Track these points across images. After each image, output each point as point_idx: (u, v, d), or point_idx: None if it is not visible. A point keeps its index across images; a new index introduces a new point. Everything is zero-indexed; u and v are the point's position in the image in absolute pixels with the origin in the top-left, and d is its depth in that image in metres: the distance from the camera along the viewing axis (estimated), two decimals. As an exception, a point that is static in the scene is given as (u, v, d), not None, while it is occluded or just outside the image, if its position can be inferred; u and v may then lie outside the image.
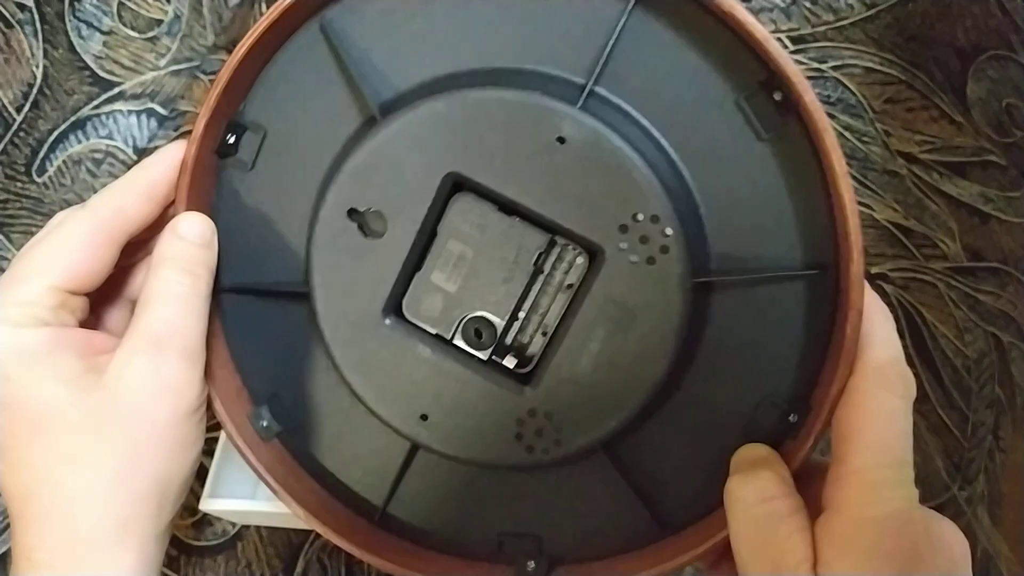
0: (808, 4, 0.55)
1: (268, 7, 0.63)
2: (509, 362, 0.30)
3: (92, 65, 0.52)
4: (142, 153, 0.58)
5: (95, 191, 0.54)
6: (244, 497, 0.45)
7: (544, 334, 0.30)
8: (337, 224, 0.29)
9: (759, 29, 0.25)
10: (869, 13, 0.53)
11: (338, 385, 0.31)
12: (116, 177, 0.55)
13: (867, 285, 0.26)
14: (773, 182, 0.27)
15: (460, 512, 0.31)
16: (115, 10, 0.53)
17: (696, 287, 0.27)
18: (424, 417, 0.30)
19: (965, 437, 0.46)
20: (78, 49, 0.51)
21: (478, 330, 0.30)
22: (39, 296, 0.27)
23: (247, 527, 0.49)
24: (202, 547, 0.48)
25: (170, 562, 0.48)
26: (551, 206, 0.27)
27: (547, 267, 0.29)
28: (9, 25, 0.46)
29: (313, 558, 0.48)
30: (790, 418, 0.27)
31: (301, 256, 0.30)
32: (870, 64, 0.52)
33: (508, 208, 0.28)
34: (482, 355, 0.30)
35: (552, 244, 0.29)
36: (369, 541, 0.30)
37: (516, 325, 0.30)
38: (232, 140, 0.30)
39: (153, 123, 0.58)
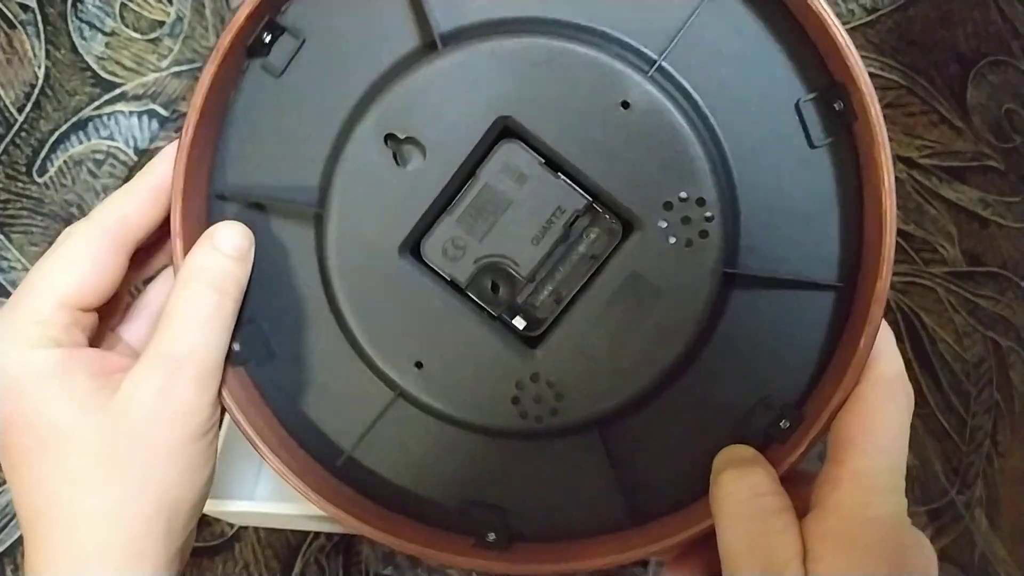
0: (808, 9, 0.55)
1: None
2: (519, 323, 0.29)
3: (94, 66, 0.52)
4: (143, 154, 0.58)
5: (96, 192, 0.54)
6: (242, 498, 0.45)
7: (558, 302, 0.28)
8: (371, 147, 0.27)
9: (843, 35, 0.25)
10: (870, 18, 0.53)
11: (327, 320, 0.29)
12: (117, 178, 0.56)
13: None
14: (816, 191, 0.27)
15: (428, 473, 0.30)
16: (117, 11, 0.53)
17: (724, 277, 0.27)
18: (419, 364, 0.28)
19: (963, 441, 0.46)
20: (80, 50, 0.51)
21: (495, 283, 0.28)
22: (51, 315, 0.26)
23: (245, 528, 0.49)
24: (200, 548, 0.48)
25: (168, 563, 0.48)
26: (601, 170, 0.27)
27: (577, 233, 0.28)
28: (12, 25, 0.46)
29: (311, 559, 0.48)
30: (781, 423, 0.27)
31: (318, 176, 0.28)
32: (871, 69, 0.53)
33: (554, 165, 0.27)
34: (493, 310, 0.29)
35: (589, 209, 0.28)
36: (325, 488, 0.28)
37: (531, 287, 0.29)
38: (268, 40, 0.28)
39: (154, 124, 0.58)
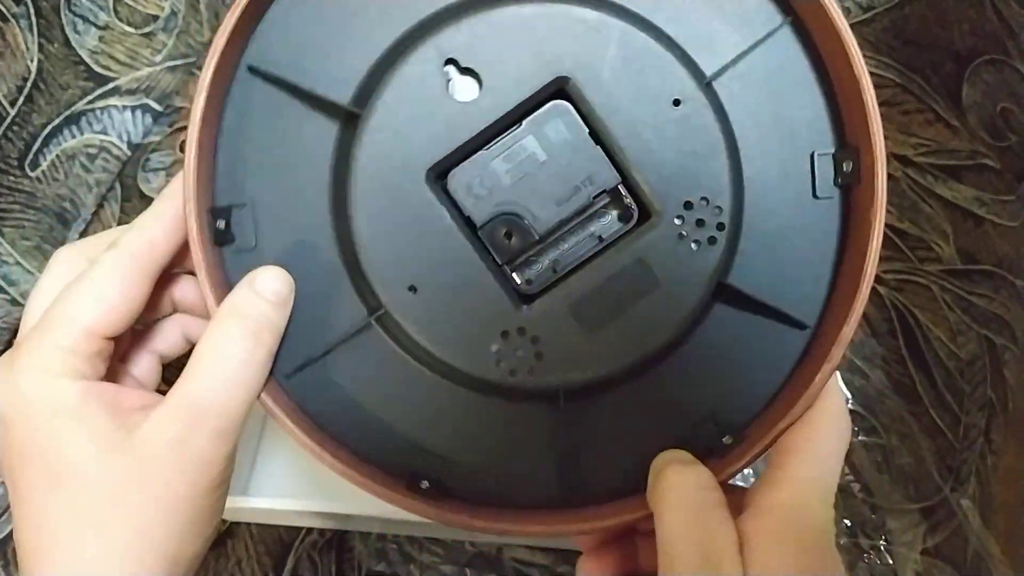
0: (805, 6, 0.55)
1: None
2: (518, 277, 0.29)
3: (87, 60, 0.52)
4: (136, 149, 0.58)
5: (88, 186, 0.54)
6: (235, 494, 0.45)
7: (555, 271, 0.29)
8: (430, 65, 0.28)
9: (873, 103, 0.27)
10: (866, 16, 0.53)
11: (324, 223, 0.29)
12: (110, 172, 0.55)
13: None
14: (811, 236, 0.29)
15: (380, 408, 0.29)
16: (111, 5, 0.53)
17: (716, 287, 0.28)
18: (413, 288, 0.28)
19: (957, 439, 0.46)
20: (73, 44, 0.51)
21: (509, 232, 0.29)
22: (77, 343, 0.26)
23: (237, 524, 0.49)
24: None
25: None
26: (639, 154, 0.28)
27: (596, 209, 0.29)
28: (4, 19, 0.45)
29: (304, 555, 0.48)
30: (724, 439, 0.28)
31: (361, 77, 0.28)
32: (866, 67, 0.53)
33: (595, 137, 0.28)
34: (499, 258, 0.29)
35: (614, 190, 0.29)
36: (271, 390, 0.28)
37: (540, 248, 0.29)
38: None
39: (148, 119, 0.58)
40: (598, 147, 0.29)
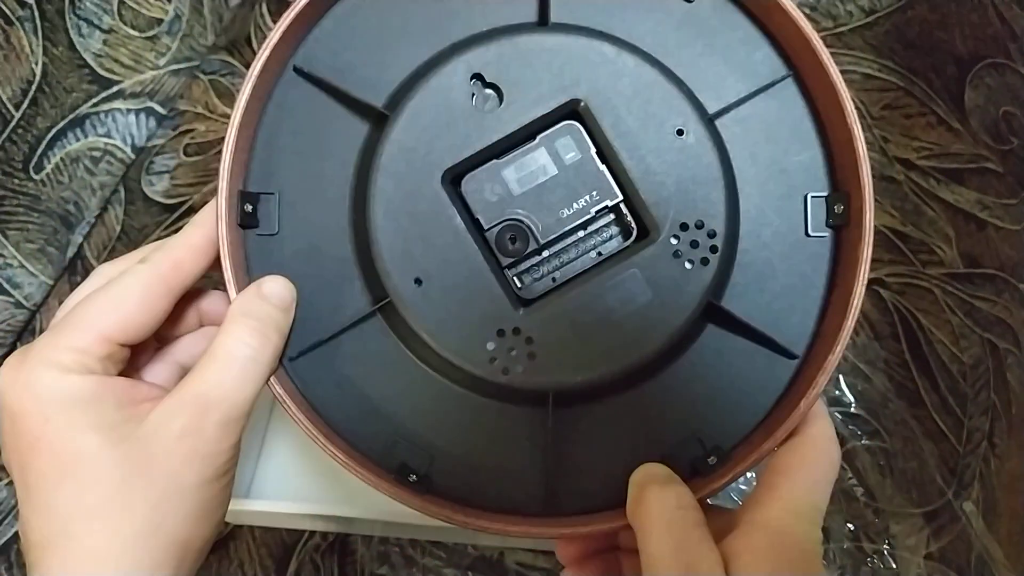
0: (807, 10, 0.55)
1: (269, 8, 0.63)
2: (519, 281, 0.31)
3: (92, 63, 0.52)
4: (140, 152, 0.58)
5: (93, 189, 0.54)
6: (238, 496, 0.45)
7: (554, 280, 0.31)
8: (458, 78, 0.30)
9: (863, 151, 0.29)
10: (868, 20, 0.53)
11: (345, 216, 0.31)
12: (114, 176, 0.56)
13: None
14: (800, 270, 0.31)
15: (374, 395, 0.31)
16: (116, 8, 0.53)
17: (707, 307, 0.30)
18: (418, 281, 0.30)
19: (960, 443, 0.46)
20: (78, 47, 0.51)
21: (514, 237, 0.30)
22: (90, 345, 0.27)
23: (240, 526, 0.49)
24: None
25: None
26: (641, 175, 0.30)
27: (598, 224, 0.31)
28: (9, 22, 0.46)
29: (306, 558, 0.48)
30: (709, 460, 0.29)
31: (396, 84, 0.31)
32: (868, 70, 0.53)
33: (602, 156, 0.31)
34: (502, 259, 0.31)
35: (615, 207, 0.31)
36: (277, 375, 0.30)
37: (541, 256, 0.31)
38: None
39: (152, 122, 0.58)
40: (604, 166, 0.31)
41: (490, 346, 0.30)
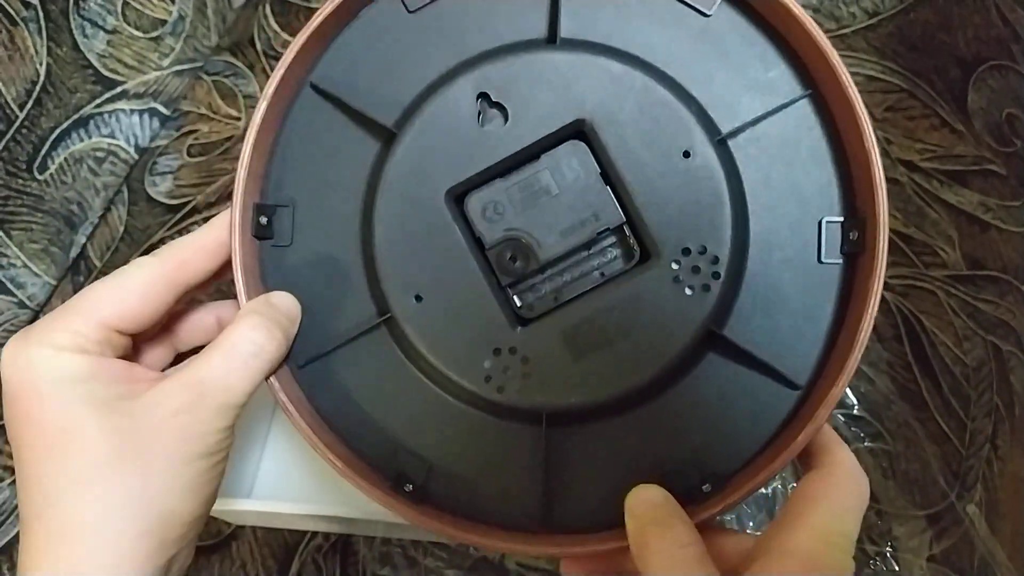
0: (810, 12, 0.55)
1: (273, 9, 0.63)
2: (519, 300, 0.31)
3: (96, 63, 0.52)
4: (143, 152, 0.58)
5: (96, 190, 0.54)
6: (240, 497, 0.45)
7: (555, 299, 0.31)
8: (463, 97, 0.30)
9: (882, 177, 0.28)
10: (871, 22, 0.53)
11: (355, 230, 0.31)
12: (118, 176, 0.56)
13: None
14: (811, 298, 0.30)
15: (374, 406, 0.31)
16: (119, 9, 0.53)
17: (707, 334, 0.29)
18: (418, 298, 0.30)
19: (963, 445, 0.46)
20: (82, 47, 0.51)
21: (514, 256, 0.30)
22: (87, 328, 0.28)
23: (242, 527, 0.49)
24: (196, 546, 0.48)
25: (165, 562, 0.47)
26: (645, 197, 0.30)
27: (600, 245, 0.31)
28: (14, 22, 0.46)
29: (308, 559, 0.48)
30: (704, 487, 0.29)
31: (405, 104, 0.31)
32: (872, 72, 0.53)
33: (606, 177, 0.30)
34: (503, 279, 0.31)
35: (618, 229, 0.31)
36: (283, 376, 0.30)
37: (542, 275, 0.31)
38: None
39: (155, 123, 0.58)
40: (607, 187, 0.30)
41: (486, 364, 0.29)
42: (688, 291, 0.29)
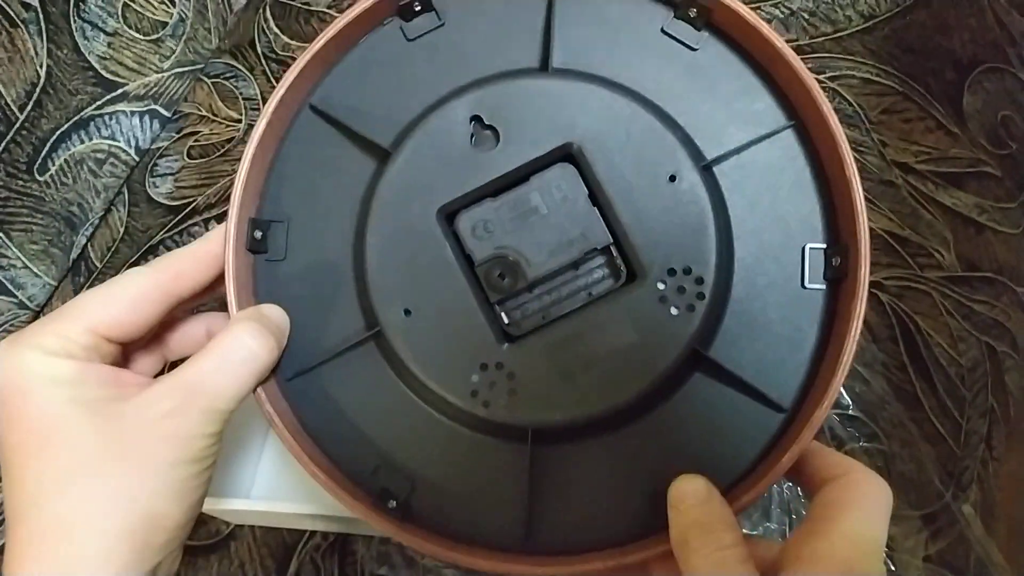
0: (806, 15, 0.55)
1: (273, 12, 0.63)
2: (506, 317, 0.31)
3: (96, 65, 0.53)
4: (144, 154, 0.58)
5: (96, 191, 0.54)
6: (239, 496, 0.45)
7: (543, 317, 0.31)
8: (457, 119, 0.31)
9: (862, 206, 0.29)
10: (867, 25, 0.53)
11: (348, 247, 0.32)
12: (118, 178, 0.56)
13: None
14: (795, 323, 0.30)
15: (360, 420, 0.31)
16: (120, 11, 0.53)
17: (693, 354, 0.30)
18: (408, 312, 0.30)
19: (959, 445, 0.46)
20: (82, 49, 0.51)
21: (503, 273, 0.31)
22: (76, 333, 0.28)
23: (241, 527, 0.49)
24: (195, 546, 0.48)
25: (164, 561, 0.48)
26: (631, 219, 0.30)
27: (587, 265, 0.32)
28: (14, 24, 0.46)
29: (307, 559, 0.48)
30: None
31: (402, 124, 0.32)
32: (867, 75, 0.53)
33: (594, 199, 0.31)
34: (491, 296, 0.31)
35: (606, 249, 0.31)
36: (269, 390, 0.30)
37: (530, 294, 0.32)
38: (417, 8, 0.33)
39: (156, 124, 0.59)
40: (595, 208, 0.31)
41: (474, 378, 0.30)
42: (674, 310, 0.30)
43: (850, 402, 0.49)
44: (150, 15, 0.55)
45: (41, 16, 0.48)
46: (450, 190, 0.31)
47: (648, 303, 0.30)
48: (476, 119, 0.31)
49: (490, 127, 0.31)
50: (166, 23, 0.57)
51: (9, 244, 0.48)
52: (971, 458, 0.46)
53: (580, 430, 0.30)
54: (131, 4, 0.54)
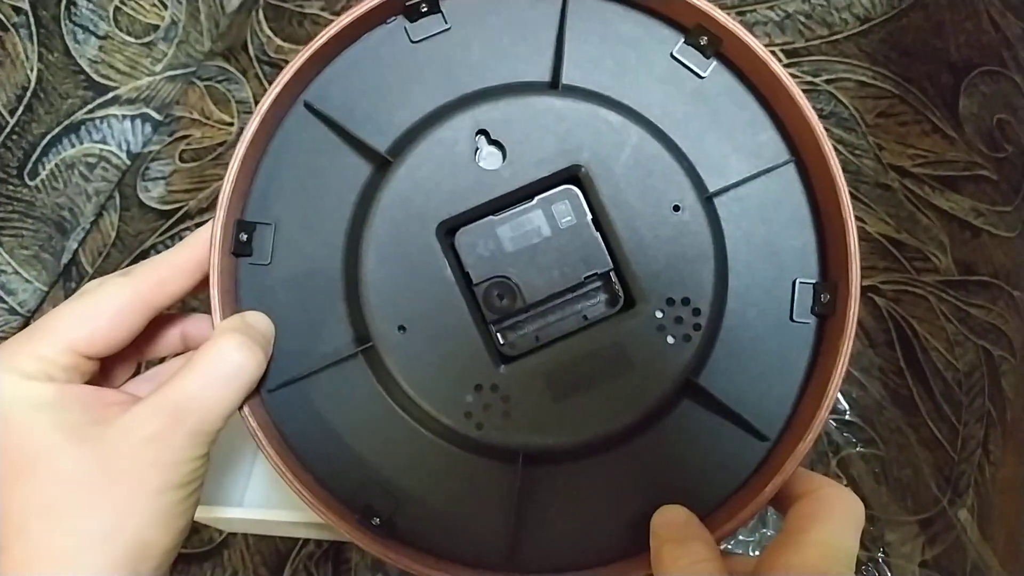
0: (802, 18, 0.55)
1: (266, 14, 0.63)
2: (502, 338, 0.31)
3: (87, 69, 0.52)
4: (135, 158, 0.58)
5: (88, 196, 0.54)
6: (232, 504, 0.45)
7: (537, 339, 0.31)
8: (463, 132, 0.30)
9: (855, 245, 0.29)
10: (863, 28, 0.53)
11: (338, 255, 0.31)
12: (109, 182, 0.56)
13: None
14: (782, 354, 0.31)
15: (346, 436, 0.31)
16: (111, 14, 0.53)
17: (685, 383, 0.30)
18: (402, 328, 0.30)
19: (955, 450, 0.46)
20: (74, 53, 0.51)
21: (501, 294, 0.31)
22: (54, 354, 0.27)
23: (234, 535, 0.49)
24: (188, 555, 0.48)
25: (156, 569, 0.47)
26: (633, 246, 0.30)
27: (586, 290, 0.31)
28: (4, 28, 0.46)
29: (300, 566, 0.47)
30: None
31: (401, 130, 0.31)
32: (863, 78, 0.53)
33: (596, 224, 0.31)
34: (488, 315, 0.31)
35: (606, 274, 0.31)
36: (252, 406, 0.30)
37: (527, 315, 0.31)
38: (424, 9, 0.32)
39: (148, 128, 0.58)
40: (598, 233, 0.31)
41: (468, 399, 0.30)
42: (670, 339, 0.30)
43: (847, 407, 0.49)
44: (142, 18, 0.55)
45: (32, 20, 0.47)
46: (452, 205, 0.30)
47: (645, 331, 0.30)
48: (482, 133, 0.30)
49: (496, 143, 0.30)
50: (158, 26, 0.56)
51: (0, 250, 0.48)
52: (968, 463, 0.46)
53: (570, 453, 0.30)
54: (123, 7, 0.54)
